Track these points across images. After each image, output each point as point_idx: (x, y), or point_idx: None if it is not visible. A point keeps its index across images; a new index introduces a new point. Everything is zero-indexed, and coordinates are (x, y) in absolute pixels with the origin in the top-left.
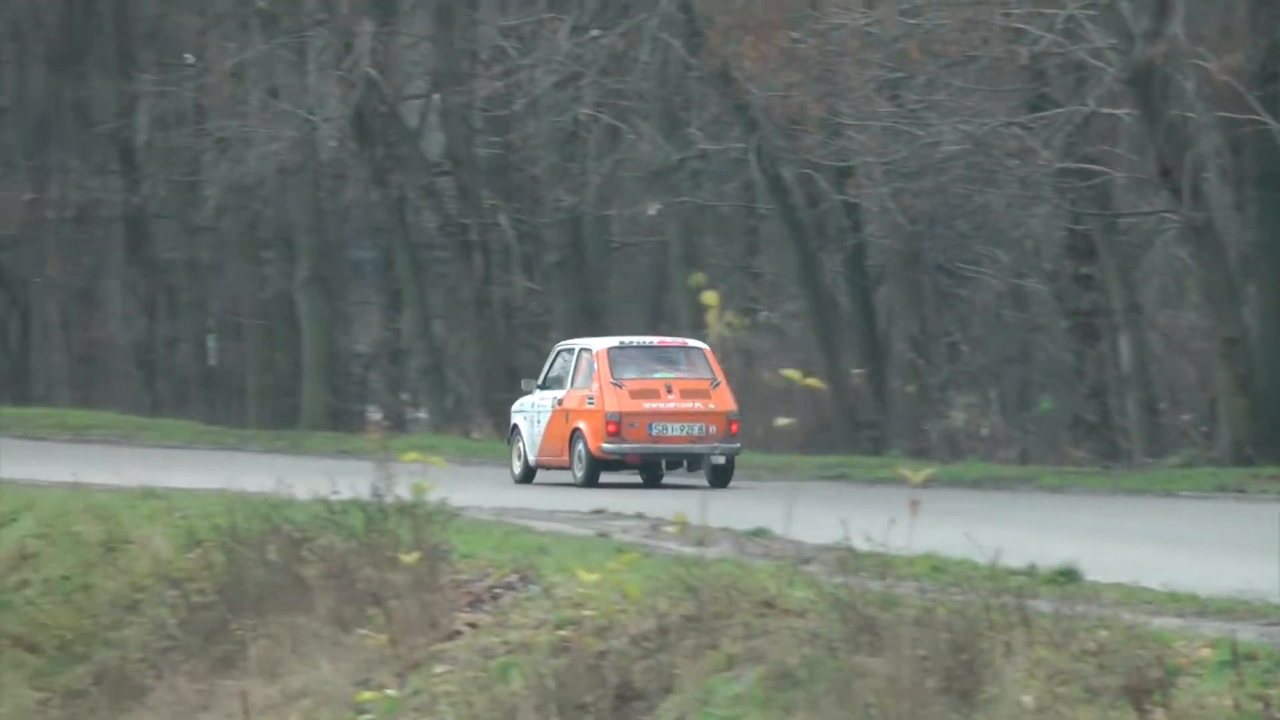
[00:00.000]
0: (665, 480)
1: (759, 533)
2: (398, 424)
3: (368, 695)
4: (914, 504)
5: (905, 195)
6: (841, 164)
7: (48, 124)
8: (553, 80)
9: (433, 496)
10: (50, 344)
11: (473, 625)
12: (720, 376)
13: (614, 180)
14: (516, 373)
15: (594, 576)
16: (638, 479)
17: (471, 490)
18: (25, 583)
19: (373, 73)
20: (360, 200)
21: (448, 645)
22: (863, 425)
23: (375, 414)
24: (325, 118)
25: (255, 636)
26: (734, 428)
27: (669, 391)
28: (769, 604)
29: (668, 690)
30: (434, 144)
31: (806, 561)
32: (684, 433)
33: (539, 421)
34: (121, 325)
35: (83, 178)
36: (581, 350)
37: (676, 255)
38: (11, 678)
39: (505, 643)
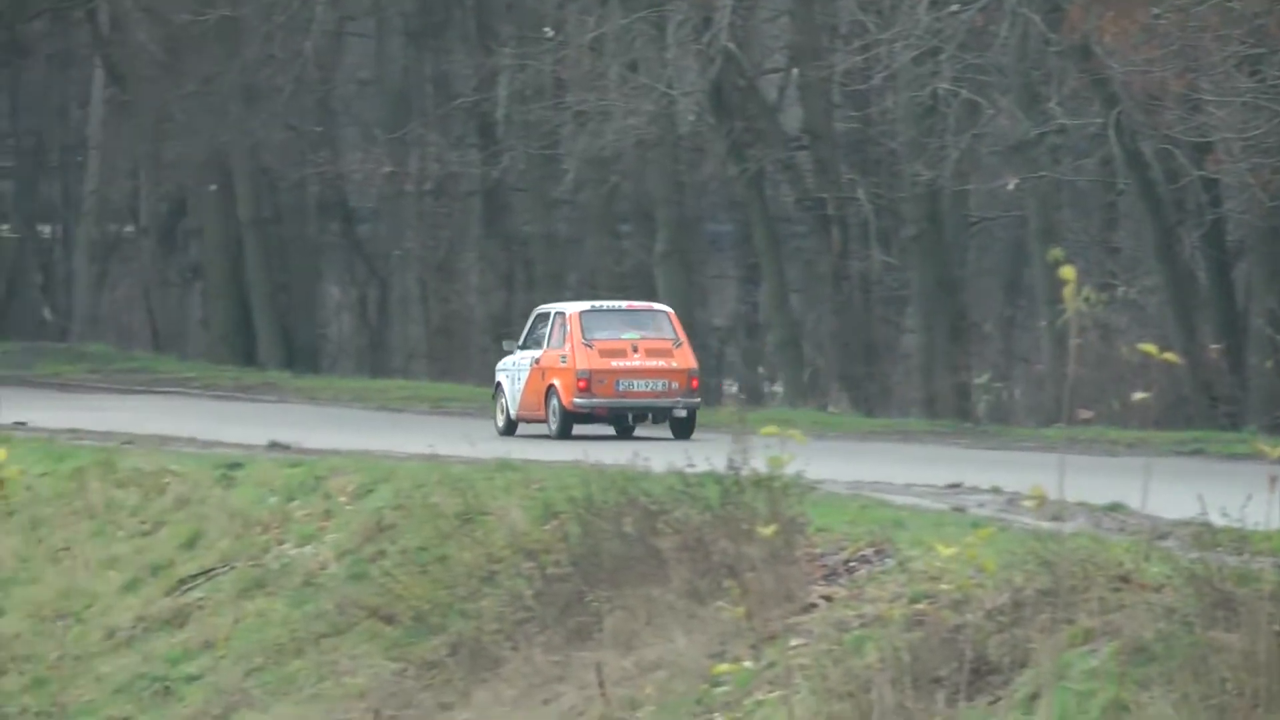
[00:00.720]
0: (636, 433)
1: (1115, 508)
2: (754, 398)
3: (723, 667)
4: (1273, 480)
5: (1265, 170)
6: (1201, 139)
7: (407, 98)
8: (911, 55)
9: (789, 470)
10: (408, 316)
11: (827, 598)
12: (683, 337)
13: (972, 155)
14: (874, 347)
15: (950, 550)
16: (611, 431)
17: (827, 464)
18: (382, 554)
19: (732, 47)
20: (718, 174)
21: (802, 618)
22: (1219, 400)
23: (731, 387)
24: (684, 92)
25: (610, 608)
26: (694, 383)
27: (635, 351)
28: (1124, 579)
29: (1022, 664)
30: (792, 118)
31: (1162, 537)
32: (648, 388)
33: (519, 379)
34: (479, 298)
35: (442, 151)
36: (556, 313)
37: (1035, 230)
38: (368, 648)
39: (860, 616)
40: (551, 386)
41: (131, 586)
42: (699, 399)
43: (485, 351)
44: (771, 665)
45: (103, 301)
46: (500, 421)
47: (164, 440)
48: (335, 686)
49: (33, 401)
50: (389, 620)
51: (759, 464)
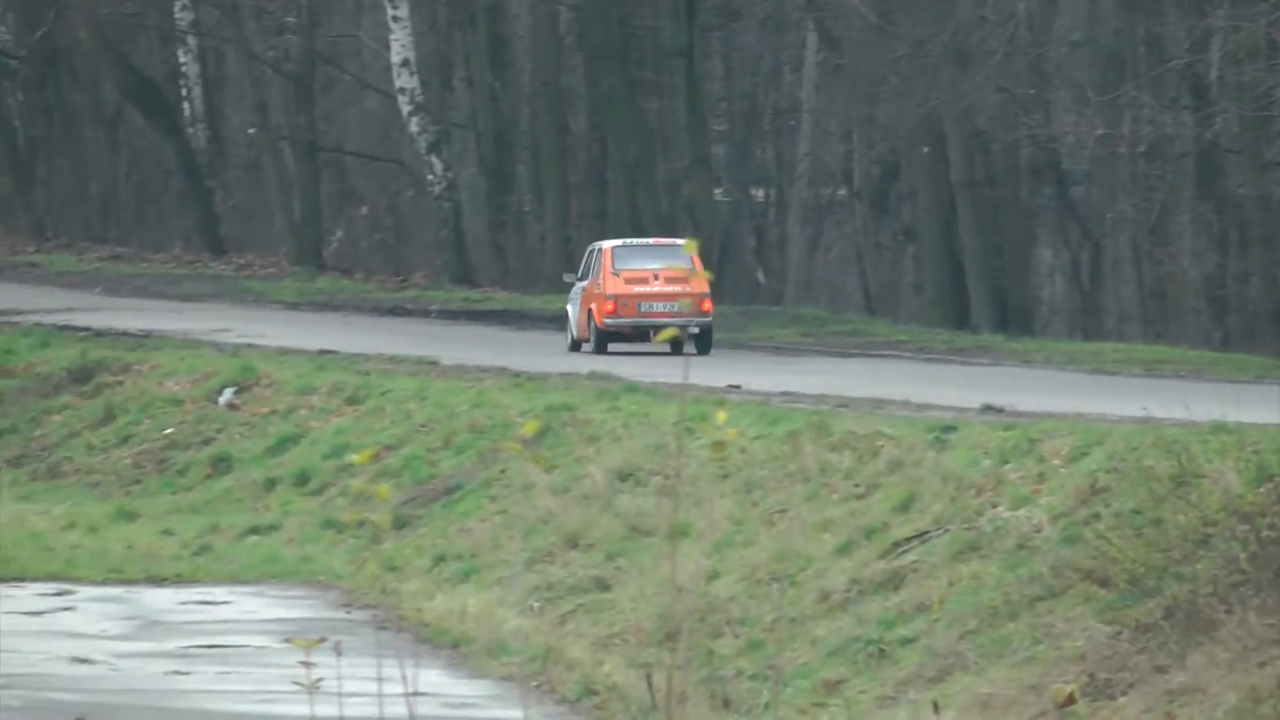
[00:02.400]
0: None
1: None
2: None
3: None
4: None
5: None
6: None
7: (1120, 59)
8: None
9: None
10: (1121, 278)
11: None
12: (699, 267)
13: None
14: None
15: None
16: (642, 347)
17: None
18: (1095, 516)
19: None
20: None
21: None
22: None
23: None
24: None
25: None
26: (705, 305)
27: (655, 278)
28: None
29: None
30: None
31: None
32: (666, 309)
33: (575, 305)
34: (1192, 260)
35: (1154, 113)
36: (597, 249)
37: None
38: (1082, 610)
39: None
40: (590, 310)
41: (845, 549)
42: (710, 318)
43: (1198, 314)
44: None
45: (815, 264)
46: (568, 341)
47: (877, 403)
48: (1049, 650)
49: (747, 364)
50: (1103, 583)
51: None
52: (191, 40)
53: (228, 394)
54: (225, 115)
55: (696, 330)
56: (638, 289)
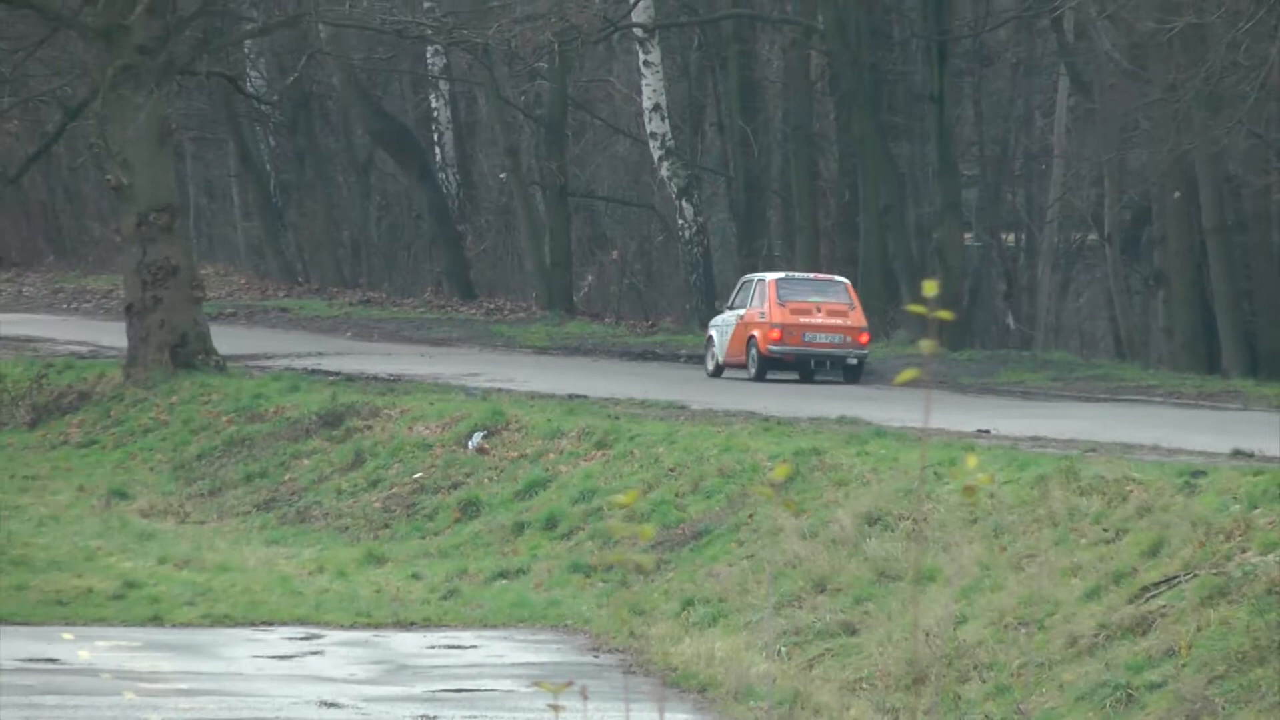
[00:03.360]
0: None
1: None
2: None
3: None
4: None
5: None
6: None
7: None
8: None
9: None
10: None
11: None
12: (856, 303)
13: None
14: None
15: None
16: (795, 377)
17: None
18: None
19: None
20: None
21: None
22: None
23: None
24: None
25: None
26: (863, 339)
27: (818, 311)
28: None
29: None
30: None
31: None
32: (828, 340)
33: (726, 332)
34: None
35: None
36: (758, 279)
37: None
38: None
39: None
40: (752, 337)
41: (1093, 594)
42: (866, 351)
43: None
44: None
45: (1065, 309)
46: (710, 366)
47: (1126, 448)
48: None
49: (996, 409)
50: None
51: None
52: (443, 85)
53: (477, 438)
54: (476, 160)
55: (854, 361)
56: (803, 319)
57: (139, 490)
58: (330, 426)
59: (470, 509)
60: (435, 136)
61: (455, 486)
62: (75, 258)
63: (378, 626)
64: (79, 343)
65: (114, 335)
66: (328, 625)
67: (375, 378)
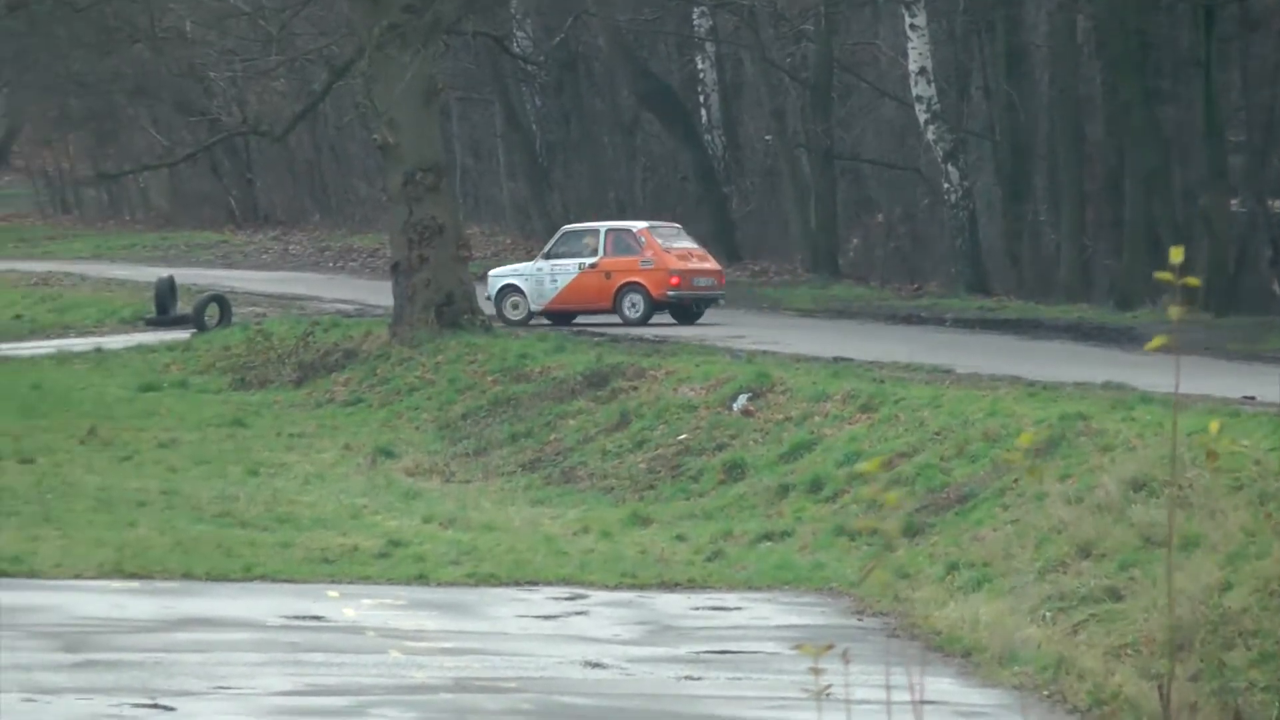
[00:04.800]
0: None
1: None
2: None
3: None
4: None
5: None
6: None
7: None
8: None
9: None
10: None
11: None
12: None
13: None
14: None
15: None
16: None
17: None
18: None
19: None
20: None
21: None
22: None
23: None
24: None
25: None
26: (722, 279)
27: (692, 256)
28: None
29: None
30: None
31: None
32: (706, 283)
33: (551, 281)
34: None
35: None
36: (608, 229)
37: None
38: None
39: None
40: (631, 284)
41: None
42: (724, 290)
43: None
44: None
45: None
46: (516, 315)
47: None
48: None
49: (1262, 375)
50: None
51: None
52: (709, 47)
53: (742, 400)
54: (742, 122)
55: (722, 302)
56: (691, 265)
57: (404, 449)
58: (596, 387)
59: (735, 471)
60: (701, 98)
61: (720, 448)
62: (341, 216)
63: (642, 587)
64: (345, 301)
65: (380, 294)
66: (592, 586)
67: (640, 339)
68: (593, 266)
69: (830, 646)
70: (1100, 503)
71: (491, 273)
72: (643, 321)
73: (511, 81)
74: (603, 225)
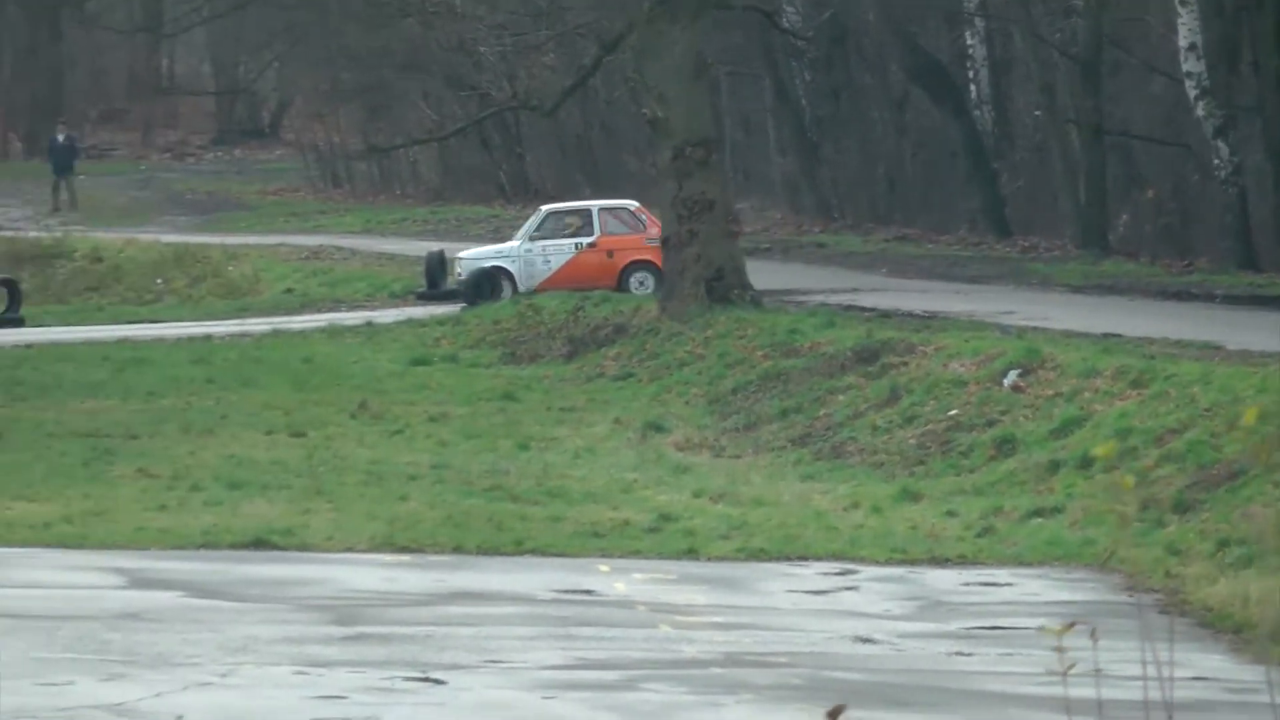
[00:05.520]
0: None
1: None
2: None
3: None
4: None
5: None
6: None
7: None
8: None
9: None
10: None
11: None
12: None
13: None
14: None
15: None
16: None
17: None
18: None
19: None
20: None
21: None
22: None
23: None
24: None
25: None
26: None
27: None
28: None
29: None
30: None
31: None
32: None
33: (548, 260)
34: None
35: None
36: (605, 209)
37: None
38: None
39: None
40: (637, 262)
41: None
42: None
43: None
44: None
45: None
46: (505, 295)
47: None
48: None
49: None
50: None
51: None
52: (978, 22)
53: (1012, 376)
54: (1011, 98)
55: None
56: None
57: (674, 423)
58: (865, 362)
59: (1005, 446)
60: (970, 74)
61: (990, 424)
62: (612, 191)
63: (912, 563)
64: None
65: None
66: (862, 561)
67: (910, 314)
68: (592, 246)
69: (1072, 625)
70: None
71: (462, 255)
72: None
73: (781, 56)
74: (594, 204)
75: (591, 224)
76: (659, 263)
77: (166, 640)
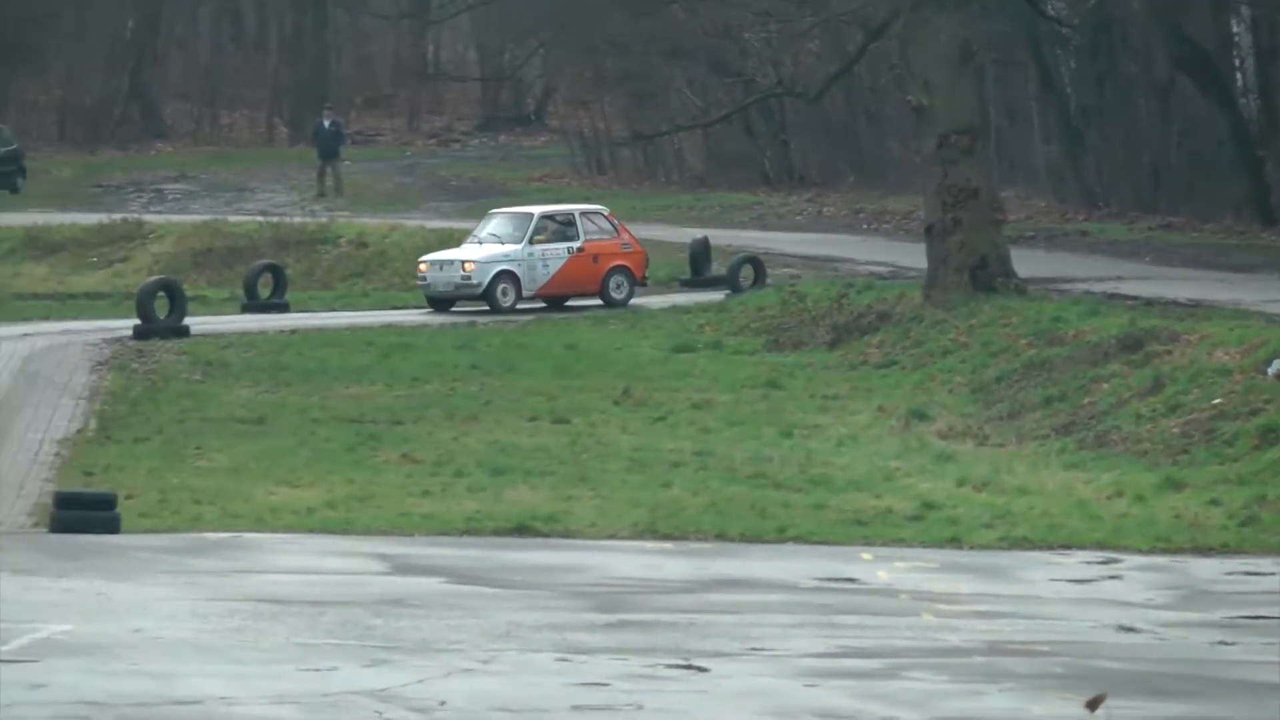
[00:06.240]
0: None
1: None
2: None
3: None
4: None
5: None
6: None
7: None
8: None
9: None
10: None
11: None
12: None
13: None
14: None
15: None
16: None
17: None
18: None
19: None
20: None
21: None
22: None
23: None
24: None
25: None
26: None
27: None
28: None
29: None
30: None
31: None
32: None
33: (546, 265)
34: None
35: None
36: (589, 212)
37: None
38: None
39: None
40: (617, 267)
41: None
42: None
43: None
44: None
45: None
46: (506, 302)
47: None
48: None
49: None
50: None
51: None
52: (1245, 10)
53: (1277, 365)
54: (1278, 86)
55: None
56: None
57: (938, 411)
58: (1129, 351)
59: (1270, 435)
60: (1236, 61)
61: (1254, 413)
62: (876, 178)
63: (1175, 552)
64: (879, 263)
65: (913, 256)
66: (1125, 550)
67: (1174, 302)
68: (580, 250)
69: None
70: None
71: (467, 257)
72: (623, 304)
73: (1046, 44)
74: (575, 208)
75: (575, 228)
76: (634, 268)
77: (429, 626)
